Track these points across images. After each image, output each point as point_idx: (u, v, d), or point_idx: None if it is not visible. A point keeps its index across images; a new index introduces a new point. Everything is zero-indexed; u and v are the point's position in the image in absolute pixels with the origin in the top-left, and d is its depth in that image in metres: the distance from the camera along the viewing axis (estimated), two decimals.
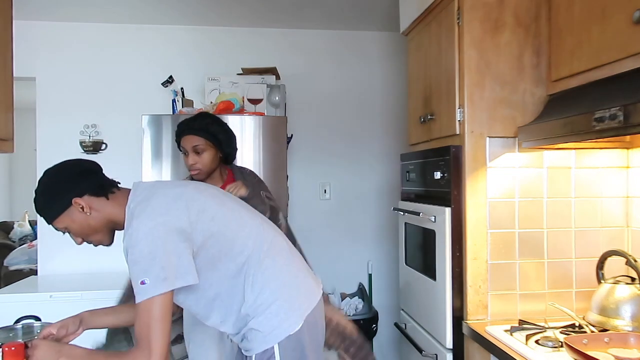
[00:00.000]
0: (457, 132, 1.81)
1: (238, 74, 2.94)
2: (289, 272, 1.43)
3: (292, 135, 3.11)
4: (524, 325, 1.60)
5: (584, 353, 1.25)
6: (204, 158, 2.00)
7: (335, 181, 3.44)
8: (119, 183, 1.43)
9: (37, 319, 1.72)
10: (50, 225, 1.36)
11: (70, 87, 3.18)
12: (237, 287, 1.37)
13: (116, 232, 1.41)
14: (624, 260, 1.58)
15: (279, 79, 3.03)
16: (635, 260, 1.56)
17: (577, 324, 1.58)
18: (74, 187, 1.32)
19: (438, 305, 1.85)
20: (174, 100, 2.79)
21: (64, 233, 1.38)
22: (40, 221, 1.42)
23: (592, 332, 1.50)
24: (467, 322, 1.74)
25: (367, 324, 2.96)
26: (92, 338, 1.52)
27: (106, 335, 1.75)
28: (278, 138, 2.59)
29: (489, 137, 1.77)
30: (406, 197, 2.31)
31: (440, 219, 1.82)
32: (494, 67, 1.76)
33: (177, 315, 2.07)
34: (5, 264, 5.06)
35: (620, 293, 1.53)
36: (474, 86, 1.76)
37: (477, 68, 1.76)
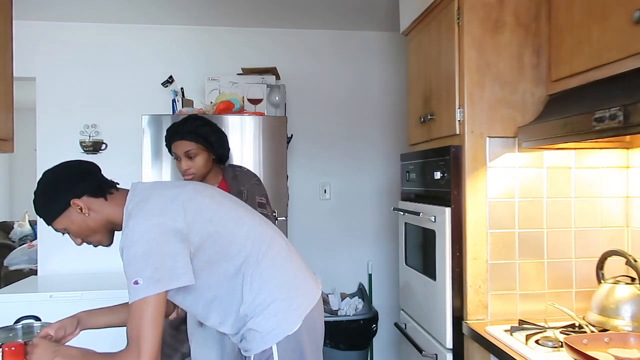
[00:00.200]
0: (457, 132, 1.81)
1: (238, 74, 2.94)
2: (287, 272, 1.42)
3: (292, 135, 3.11)
4: (524, 325, 1.60)
5: (584, 353, 1.25)
6: (197, 162, 1.98)
7: (335, 181, 3.44)
8: (118, 184, 1.43)
9: (37, 319, 1.71)
10: (50, 227, 1.36)
11: (70, 87, 3.18)
12: (236, 288, 1.37)
13: (116, 232, 1.41)
14: (624, 260, 1.58)
15: (279, 79, 3.03)
16: (635, 260, 1.55)
17: (577, 324, 1.58)
18: (72, 188, 1.33)
19: (438, 305, 1.85)
20: (174, 100, 2.79)
21: (63, 234, 1.39)
22: (40, 221, 1.42)
23: (592, 332, 1.50)
24: (467, 322, 1.74)
25: (367, 324, 2.96)
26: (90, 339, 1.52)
27: None
28: (278, 138, 2.59)
29: (489, 137, 1.77)
30: (406, 197, 2.30)
31: (440, 219, 1.82)
32: (494, 67, 1.76)
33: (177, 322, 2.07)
34: (5, 264, 5.06)
35: (620, 293, 1.53)
36: (474, 86, 1.76)
37: (477, 68, 1.76)
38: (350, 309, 3.04)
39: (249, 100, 2.71)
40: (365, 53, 3.44)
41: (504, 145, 1.77)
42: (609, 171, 1.81)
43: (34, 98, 3.15)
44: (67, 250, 2.89)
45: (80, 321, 1.49)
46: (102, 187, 1.37)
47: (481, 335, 1.62)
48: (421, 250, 2.08)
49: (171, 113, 2.75)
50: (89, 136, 3.15)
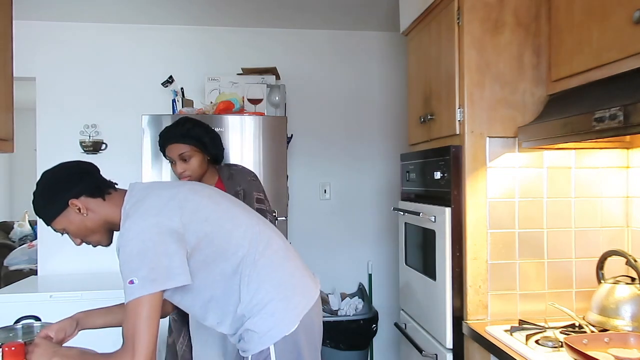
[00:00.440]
0: (457, 132, 1.81)
1: (238, 74, 2.94)
2: (284, 271, 1.42)
3: (292, 135, 3.11)
4: (524, 325, 1.60)
5: (584, 353, 1.25)
6: (192, 164, 1.97)
7: (335, 181, 3.44)
8: (116, 184, 1.43)
9: (37, 319, 1.71)
10: (49, 227, 1.36)
11: (70, 87, 3.18)
12: (233, 288, 1.37)
13: (115, 232, 1.41)
14: (624, 260, 1.58)
15: (279, 79, 3.03)
16: (635, 260, 1.55)
17: (577, 324, 1.58)
18: (70, 189, 1.33)
19: (438, 305, 1.85)
20: (174, 100, 2.79)
21: (62, 234, 1.39)
22: (40, 221, 1.43)
23: (592, 332, 1.50)
24: (467, 322, 1.74)
25: (367, 324, 2.96)
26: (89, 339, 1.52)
27: None
28: (278, 138, 2.59)
29: (489, 137, 1.77)
30: (406, 197, 2.30)
31: (440, 219, 1.82)
32: (494, 67, 1.76)
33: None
34: (5, 264, 5.06)
35: (620, 293, 1.53)
36: (474, 86, 1.76)
37: (477, 68, 1.76)
38: (350, 309, 3.04)
39: (249, 100, 2.71)
40: (365, 53, 3.44)
41: (504, 145, 1.77)
42: (609, 171, 1.81)
43: (34, 98, 3.15)
44: (67, 250, 2.89)
45: (79, 322, 1.49)
46: (100, 188, 1.37)
47: (481, 335, 1.62)
48: (421, 250, 2.08)
49: (171, 113, 2.74)
50: (89, 136, 3.15)
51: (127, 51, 3.24)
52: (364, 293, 3.27)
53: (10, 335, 1.57)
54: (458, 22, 1.79)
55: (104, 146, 3.17)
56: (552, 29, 1.71)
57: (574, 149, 1.78)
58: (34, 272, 4.18)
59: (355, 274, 3.43)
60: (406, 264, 2.28)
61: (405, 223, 2.27)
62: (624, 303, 1.51)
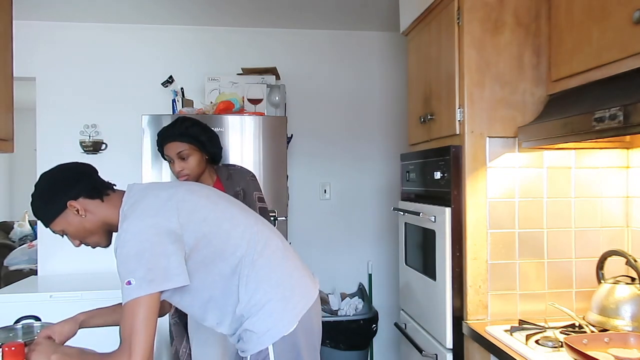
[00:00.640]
0: (457, 132, 1.81)
1: (238, 74, 2.94)
2: (283, 271, 1.42)
3: (292, 135, 3.11)
4: (524, 325, 1.60)
5: (584, 353, 1.25)
6: (190, 163, 1.98)
7: (335, 181, 3.44)
8: (114, 185, 1.43)
9: (37, 319, 1.72)
10: (48, 229, 1.37)
11: (70, 87, 3.18)
12: (232, 288, 1.37)
13: (114, 233, 1.41)
14: (624, 260, 1.58)
15: (279, 79, 3.03)
16: (635, 260, 1.55)
17: (577, 324, 1.58)
18: (69, 190, 1.33)
19: (438, 305, 1.85)
20: (174, 100, 2.79)
21: (62, 236, 1.39)
22: (40, 222, 1.43)
23: (592, 332, 1.50)
24: (467, 322, 1.74)
25: (367, 324, 2.96)
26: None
27: None
28: (278, 138, 2.59)
29: (489, 137, 1.77)
30: (406, 197, 2.30)
31: (440, 219, 1.82)
32: (494, 67, 1.76)
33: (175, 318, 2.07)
34: (5, 264, 5.06)
35: (620, 293, 1.53)
36: (474, 86, 1.76)
37: (477, 68, 1.76)
38: (350, 309, 3.04)
39: (249, 100, 2.71)
40: (365, 53, 3.44)
41: (504, 145, 1.77)
42: (609, 171, 1.81)
43: (34, 98, 3.15)
44: (67, 250, 2.87)
45: (79, 323, 1.50)
46: (99, 189, 1.37)
47: (481, 335, 1.62)
48: (421, 250, 2.08)
49: (171, 113, 2.74)
50: (89, 136, 3.15)
51: (127, 51, 3.24)
52: (364, 293, 3.27)
53: (10, 335, 1.57)
54: (458, 22, 1.79)
55: (104, 146, 3.17)
56: (552, 29, 1.71)
57: (574, 149, 1.78)
58: (34, 272, 4.18)
59: (355, 274, 3.43)
60: (406, 264, 2.28)
61: (405, 223, 2.27)
62: (624, 303, 1.51)
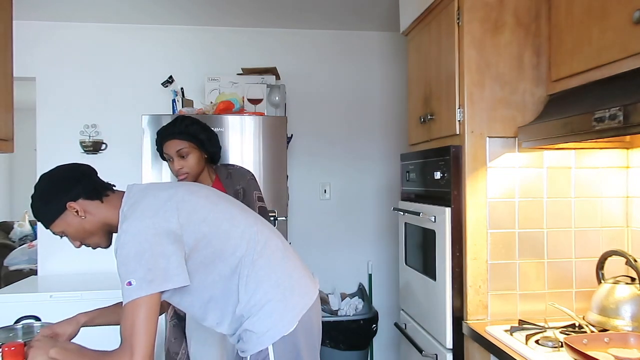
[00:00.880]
0: (457, 132, 1.81)
1: (238, 74, 2.94)
2: (283, 272, 1.42)
3: (292, 135, 3.11)
4: (524, 325, 1.60)
5: (584, 353, 1.25)
6: (189, 161, 1.98)
7: (335, 181, 3.44)
8: (114, 186, 1.43)
9: (37, 319, 1.72)
10: (48, 230, 1.37)
11: (70, 87, 3.18)
12: (232, 288, 1.37)
13: (114, 234, 1.41)
14: (624, 260, 1.58)
15: (279, 79, 3.03)
16: (635, 260, 1.55)
17: (577, 324, 1.58)
18: (68, 192, 1.33)
19: (438, 305, 1.85)
20: (174, 100, 2.79)
21: (61, 237, 1.39)
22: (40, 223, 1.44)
23: (592, 332, 1.50)
24: (467, 322, 1.74)
25: (367, 324, 2.96)
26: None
27: None
28: (278, 138, 2.59)
29: (489, 137, 1.77)
30: (406, 197, 2.30)
31: (440, 219, 1.82)
32: (494, 67, 1.76)
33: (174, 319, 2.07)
34: (5, 264, 5.05)
35: (620, 293, 1.53)
36: (474, 86, 1.76)
37: (477, 68, 1.76)
38: (350, 309, 3.04)
39: (249, 100, 2.71)
40: (365, 53, 3.44)
41: (504, 145, 1.77)
42: (609, 171, 1.81)
43: (34, 98, 3.15)
44: (67, 250, 2.85)
45: (79, 323, 1.51)
46: (98, 190, 1.37)
47: (481, 335, 1.62)
48: (421, 250, 2.08)
49: (171, 113, 2.74)
50: (89, 136, 3.15)
51: (127, 51, 3.24)
52: (364, 293, 3.27)
53: (10, 335, 1.57)
54: (458, 22, 1.79)
55: (104, 146, 3.17)
56: (552, 29, 1.71)
57: (574, 149, 1.78)
58: (34, 272, 4.17)
59: (355, 274, 3.43)
60: (406, 264, 2.28)
61: (405, 223, 2.27)
62: (624, 303, 1.51)
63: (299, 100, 3.35)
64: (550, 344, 1.44)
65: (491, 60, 1.76)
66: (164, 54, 3.26)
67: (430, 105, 2.07)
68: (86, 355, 1.26)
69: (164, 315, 1.85)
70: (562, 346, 1.40)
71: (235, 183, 2.09)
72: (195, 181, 2.01)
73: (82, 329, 1.52)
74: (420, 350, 1.96)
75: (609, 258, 1.65)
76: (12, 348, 1.30)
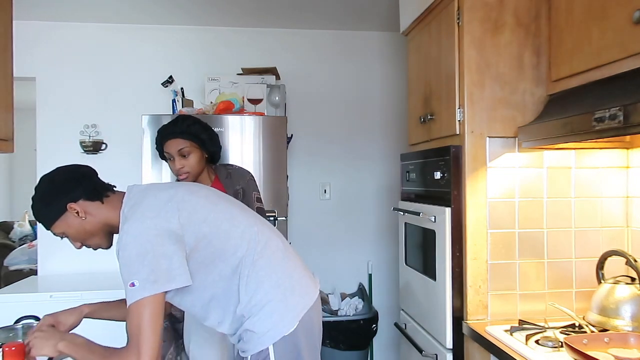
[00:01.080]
0: (457, 132, 1.81)
1: (238, 74, 2.94)
2: (283, 272, 1.42)
3: (292, 135, 3.11)
4: (524, 325, 1.60)
5: (584, 353, 1.25)
6: (190, 160, 1.98)
7: (335, 181, 3.44)
8: (114, 187, 1.43)
9: (37, 319, 1.71)
10: (49, 231, 1.37)
11: (70, 87, 3.18)
12: (232, 288, 1.37)
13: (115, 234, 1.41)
14: (624, 260, 1.58)
15: (279, 79, 3.03)
16: (635, 260, 1.55)
17: (577, 324, 1.58)
18: (68, 193, 1.33)
19: (438, 305, 1.85)
20: (174, 100, 2.79)
21: (62, 238, 1.40)
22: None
23: (592, 332, 1.50)
24: (467, 322, 1.74)
25: (367, 324, 2.96)
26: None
27: None
28: (278, 138, 2.59)
29: (489, 137, 1.77)
30: (406, 197, 2.30)
31: (440, 219, 1.82)
32: (494, 67, 1.76)
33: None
34: (5, 264, 5.05)
35: (620, 293, 1.53)
36: (474, 86, 1.76)
37: (477, 68, 1.76)
38: (350, 309, 3.04)
39: (249, 100, 2.71)
40: (365, 53, 3.44)
41: (504, 145, 1.77)
42: (609, 171, 1.81)
43: (34, 98, 3.15)
44: (67, 251, 2.85)
45: (82, 313, 1.52)
46: (98, 191, 1.37)
47: (481, 335, 1.62)
48: (421, 250, 2.08)
49: (171, 113, 2.74)
50: (89, 136, 3.15)
51: (127, 51, 3.24)
52: (364, 293, 3.27)
53: (10, 335, 1.57)
54: (458, 22, 1.79)
55: (104, 146, 3.17)
56: (552, 29, 1.71)
57: (574, 149, 1.78)
58: (34, 272, 4.17)
59: (355, 274, 3.43)
60: (406, 264, 2.28)
61: (405, 223, 2.27)
62: (624, 303, 1.51)
63: (299, 100, 3.35)
64: (550, 344, 1.44)
65: (491, 60, 1.76)
66: (164, 54, 3.26)
67: (430, 105, 2.07)
68: (94, 352, 1.26)
69: None
70: (562, 346, 1.40)
71: (235, 183, 2.09)
72: (194, 181, 2.01)
73: (89, 327, 1.52)
74: (420, 350, 1.96)
75: (609, 258, 1.65)
76: (12, 348, 1.30)
